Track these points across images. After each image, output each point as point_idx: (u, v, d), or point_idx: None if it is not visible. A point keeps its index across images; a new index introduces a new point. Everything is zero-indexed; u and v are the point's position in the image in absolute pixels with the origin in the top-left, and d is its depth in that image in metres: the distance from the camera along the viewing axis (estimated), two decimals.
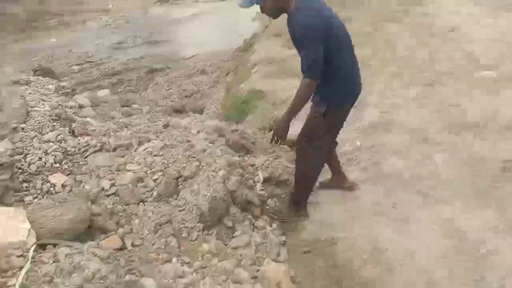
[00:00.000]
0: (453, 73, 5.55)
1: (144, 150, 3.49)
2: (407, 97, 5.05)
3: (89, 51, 14.20)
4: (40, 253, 2.41)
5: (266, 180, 3.65)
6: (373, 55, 6.72)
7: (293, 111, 2.82)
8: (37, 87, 4.19)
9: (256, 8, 2.72)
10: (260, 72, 6.80)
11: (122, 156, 3.45)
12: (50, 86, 4.29)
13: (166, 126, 4.09)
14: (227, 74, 10.31)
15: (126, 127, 3.97)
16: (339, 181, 3.63)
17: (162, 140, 3.68)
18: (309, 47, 2.57)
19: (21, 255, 2.33)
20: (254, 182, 3.59)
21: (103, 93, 6.97)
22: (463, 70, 5.61)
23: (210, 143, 3.81)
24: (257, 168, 3.74)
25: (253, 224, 3.25)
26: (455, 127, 4.24)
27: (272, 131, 3.08)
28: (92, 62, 13.12)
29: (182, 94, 9.81)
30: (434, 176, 3.58)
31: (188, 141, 3.73)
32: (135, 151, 3.52)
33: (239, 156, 3.83)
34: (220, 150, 3.70)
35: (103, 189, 3.06)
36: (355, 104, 3.03)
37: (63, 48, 15.07)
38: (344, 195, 3.53)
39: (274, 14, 2.77)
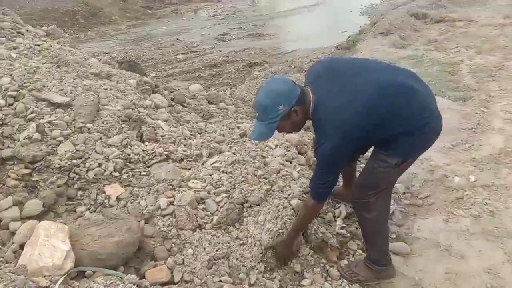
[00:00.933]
0: None
1: (212, 164, 3.04)
2: None
3: (195, 41, 14.42)
4: (70, 286, 2.06)
5: (349, 216, 3.00)
6: (501, 64, 5.60)
7: (296, 233, 2.49)
8: (117, 81, 3.96)
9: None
10: None
11: (188, 169, 3.04)
12: (131, 81, 4.04)
13: (242, 135, 3.61)
14: None
15: (200, 133, 3.56)
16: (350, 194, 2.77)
17: (234, 153, 3.20)
18: (323, 172, 2.15)
19: (47, 287, 2.00)
20: (334, 216, 2.97)
21: (194, 87, 6.75)
22: None
23: (287, 161, 3.25)
24: None
25: (327, 271, 2.64)
26: None
27: (275, 253, 2.54)
28: (196, 52, 13.23)
29: None
30: None
31: (263, 157, 3.21)
32: (202, 164, 3.09)
33: None
34: (298, 171, 3.12)
35: (159, 207, 2.67)
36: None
37: (172, 36, 15.50)
38: (449, 248, 2.74)
39: (298, 129, 2.28)
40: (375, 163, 2.23)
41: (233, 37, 14.32)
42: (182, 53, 13.45)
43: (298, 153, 3.47)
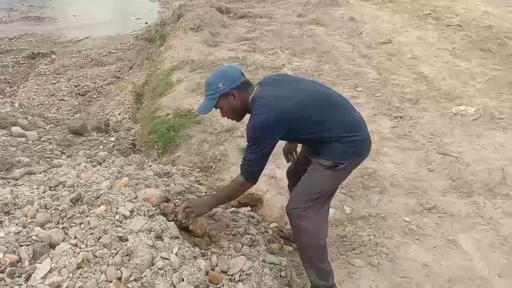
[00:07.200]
0: (418, 101, 4.61)
1: (44, 277, 1.77)
2: (383, 135, 3.94)
3: None
4: None
5: None
6: (320, 68, 5.54)
7: (216, 203, 2.47)
8: None
9: None
10: (185, 83, 5.13)
11: None
12: None
13: (76, 200, 2.36)
14: (130, 69, 8.35)
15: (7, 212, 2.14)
16: None
17: (76, 245, 1.98)
18: (249, 148, 2.13)
19: None
20: None
21: None
22: (427, 97, 4.70)
23: (157, 237, 2.21)
24: (234, 279, 2.26)
25: None
26: (462, 187, 3.23)
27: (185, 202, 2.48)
28: None
29: (74, 91, 7.59)
30: (474, 276, 2.48)
31: (120, 239, 2.09)
32: (27, 280, 1.78)
33: (204, 256, 2.32)
34: (177, 253, 2.14)
35: None
36: None
37: None
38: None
39: (237, 117, 2.28)
40: (311, 168, 2.24)
41: (4, 19, 11.31)
42: None
43: (162, 214, 2.46)
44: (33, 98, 7.30)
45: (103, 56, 9.26)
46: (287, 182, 2.76)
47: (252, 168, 2.15)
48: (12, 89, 8.03)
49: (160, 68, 6.21)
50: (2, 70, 8.75)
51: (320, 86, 2.37)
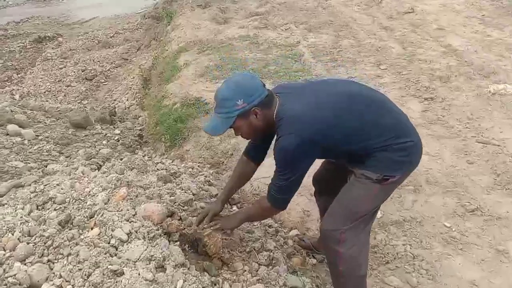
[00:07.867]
0: (449, 79, 4.08)
1: None
2: (413, 121, 3.45)
3: None
4: None
5: None
6: (338, 45, 5.00)
7: (241, 222, 2.10)
8: None
9: None
10: (193, 66, 4.68)
11: None
12: None
13: (65, 222, 2.02)
14: (137, 50, 7.91)
15: None
16: None
17: (60, 285, 1.64)
18: (279, 172, 1.72)
19: None
20: None
21: None
22: (458, 74, 4.16)
23: (159, 267, 1.85)
24: None
25: None
26: (508, 183, 2.77)
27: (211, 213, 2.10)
28: None
29: (81, 76, 7.21)
30: None
31: (115, 273, 1.74)
32: None
33: (214, 286, 1.96)
34: (184, 281, 1.78)
35: None
36: None
37: None
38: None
39: (256, 138, 1.92)
40: (353, 180, 1.79)
41: (10, 3, 10.90)
42: None
43: (166, 234, 2.10)
44: (39, 85, 6.96)
45: (110, 37, 8.82)
46: (313, 189, 2.32)
47: (279, 195, 1.79)
48: (19, 75, 7.71)
49: (167, 50, 5.76)
50: (9, 56, 8.43)
51: (353, 85, 1.92)
